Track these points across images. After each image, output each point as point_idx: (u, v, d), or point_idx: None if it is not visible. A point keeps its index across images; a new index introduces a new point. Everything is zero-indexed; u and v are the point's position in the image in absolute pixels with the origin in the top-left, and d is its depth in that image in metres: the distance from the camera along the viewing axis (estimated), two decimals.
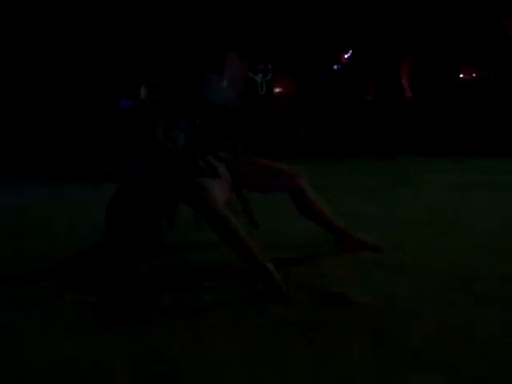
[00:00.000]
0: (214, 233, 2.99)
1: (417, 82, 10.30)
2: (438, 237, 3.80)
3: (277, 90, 12.27)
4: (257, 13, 10.42)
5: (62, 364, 2.16)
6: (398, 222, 4.30)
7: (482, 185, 5.55)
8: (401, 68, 10.42)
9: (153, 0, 11.20)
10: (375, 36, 10.92)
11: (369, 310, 2.61)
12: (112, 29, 11.77)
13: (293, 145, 9.98)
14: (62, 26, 11.49)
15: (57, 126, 11.27)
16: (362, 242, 3.56)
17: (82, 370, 2.11)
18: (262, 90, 9.77)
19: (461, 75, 10.50)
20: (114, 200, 3.48)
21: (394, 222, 4.33)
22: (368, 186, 5.97)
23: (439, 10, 9.76)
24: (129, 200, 3.40)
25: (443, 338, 2.29)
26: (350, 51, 11.17)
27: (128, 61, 11.37)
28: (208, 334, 2.39)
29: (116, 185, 3.51)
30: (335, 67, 10.92)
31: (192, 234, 3.59)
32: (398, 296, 2.76)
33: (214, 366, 2.12)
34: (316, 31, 10.71)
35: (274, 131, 9.79)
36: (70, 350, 2.27)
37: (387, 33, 10.96)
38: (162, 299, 2.82)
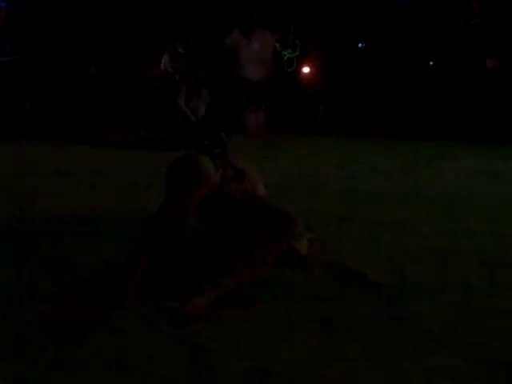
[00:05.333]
0: None
1: (441, 66, 10.16)
2: (459, 222, 3.77)
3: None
4: None
5: None
6: (417, 205, 4.26)
7: (507, 172, 5.48)
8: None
9: None
10: (400, 18, 10.74)
11: (386, 289, 2.62)
12: None
13: (312, 122, 9.89)
14: None
15: (77, 89, 11.25)
16: None
17: None
18: (292, 66, 9.72)
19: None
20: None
21: (414, 204, 4.29)
22: (387, 168, 5.90)
23: None
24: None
25: (459, 321, 2.30)
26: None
27: (151, 28, 11.31)
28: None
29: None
30: (360, 45, 10.77)
31: None
32: (416, 278, 2.76)
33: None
34: (345, 9, 10.57)
35: (296, 107, 9.70)
36: None
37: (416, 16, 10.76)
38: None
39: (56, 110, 10.51)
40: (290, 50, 9.51)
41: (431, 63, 10.78)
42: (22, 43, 9.61)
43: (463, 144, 7.56)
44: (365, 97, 10.38)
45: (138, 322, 2.25)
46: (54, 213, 3.90)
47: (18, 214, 3.85)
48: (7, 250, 3.11)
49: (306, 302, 2.47)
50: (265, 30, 9.15)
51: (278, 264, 2.82)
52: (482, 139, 7.83)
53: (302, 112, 9.85)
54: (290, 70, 9.71)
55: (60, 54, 11.40)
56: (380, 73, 10.75)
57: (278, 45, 9.44)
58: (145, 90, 11.01)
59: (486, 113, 9.31)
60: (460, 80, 9.57)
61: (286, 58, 9.51)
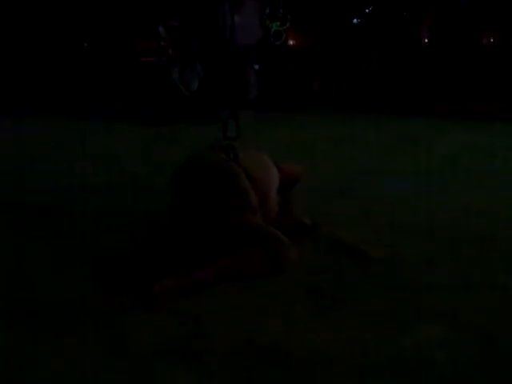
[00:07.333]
0: None
1: (437, 43, 10.12)
2: (450, 197, 3.78)
3: (291, 41, 12.05)
4: None
5: None
6: (409, 180, 4.26)
7: (502, 147, 5.49)
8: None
9: None
10: None
11: (378, 262, 2.62)
12: None
13: (307, 98, 9.86)
14: None
15: (70, 63, 11.17)
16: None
17: None
18: (280, 39, 9.61)
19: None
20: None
21: (406, 179, 4.29)
22: (381, 144, 5.91)
23: None
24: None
25: (449, 293, 2.31)
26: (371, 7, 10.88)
27: (146, 1, 11.18)
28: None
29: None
30: (355, 21, 10.68)
31: None
32: (408, 251, 2.76)
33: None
34: None
35: (289, 83, 9.65)
36: None
37: None
38: None
39: (49, 84, 10.46)
40: (278, 23, 9.40)
41: (426, 40, 10.75)
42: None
43: (455, 120, 7.56)
44: (358, 73, 10.34)
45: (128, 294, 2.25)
46: (48, 186, 3.98)
47: None
48: (7, 224, 3.15)
49: (298, 275, 2.47)
50: None
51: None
52: (474, 115, 7.83)
53: (297, 88, 9.80)
54: (277, 43, 9.60)
55: (53, 27, 11.29)
56: (373, 48, 10.68)
57: (267, 21, 9.35)
58: (139, 64, 10.96)
59: (477, 89, 9.30)
60: (455, 57, 9.54)
61: (273, 30, 9.39)
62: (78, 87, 10.56)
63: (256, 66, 8.99)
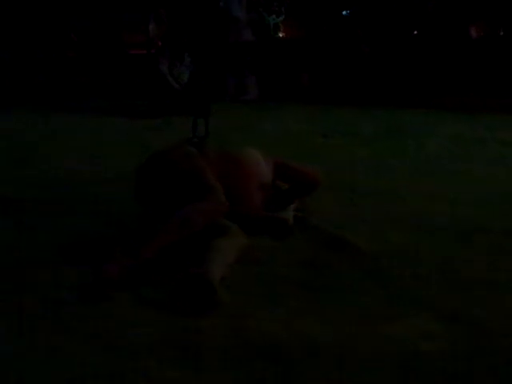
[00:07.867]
0: None
1: (425, 36, 10.12)
2: (442, 189, 3.82)
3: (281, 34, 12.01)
4: None
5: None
6: (400, 172, 4.28)
7: (490, 140, 5.52)
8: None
9: None
10: None
11: (368, 254, 2.64)
12: None
13: (296, 90, 9.84)
14: None
15: (59, 56, 11.10)
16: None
17: None
18: (277, 32, 9.61)
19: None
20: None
21: (397, 171, 4.31)
22: (371, 136, 5.92)
23: None
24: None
25: (440, 285, 2.33)
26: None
27: None
28: None
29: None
30: (344, 13, 10.67)
31: None
32: (398, 244, 2.78)
33: None
34: None
35: (279, 75, 9.64)
36: None
37: None
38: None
39: (37, 77, 10.38)
40: (274, 16, 9.41)
41: (415, 32, 10.74)
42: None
43: (448, 112, 7.59)
44: (349, 64, 10.32)
45: (123, 289, 2.25)
46: (44, 181, 3.98)
47: None
48: (5, 221, 3.14)
49: (289, 267, 2.50)
50: None
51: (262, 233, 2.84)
52: (466, 108, 7.86)
53: (287, 79, 9.79)
54: (276, 36, 9.62)
55: (41, 19, 11.20)
56: (364, 40, 10.66)
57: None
58: (128, 57, 10.91)
59: (471, 82, 9.33)
60: (444, 49, 9.55)
61: (272, 24, 9.40)
62: (71, 81, 10.49)
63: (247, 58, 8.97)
